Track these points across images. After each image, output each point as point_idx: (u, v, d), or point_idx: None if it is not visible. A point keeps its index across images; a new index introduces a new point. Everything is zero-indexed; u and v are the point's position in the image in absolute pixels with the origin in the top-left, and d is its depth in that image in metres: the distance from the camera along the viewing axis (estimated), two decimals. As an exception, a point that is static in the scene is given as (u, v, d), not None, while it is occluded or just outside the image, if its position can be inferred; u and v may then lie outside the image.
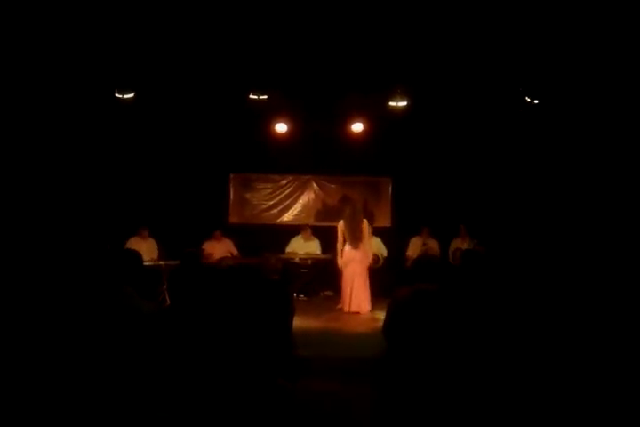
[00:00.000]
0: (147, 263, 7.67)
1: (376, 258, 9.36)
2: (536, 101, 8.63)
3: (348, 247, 8.01)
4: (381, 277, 9.38)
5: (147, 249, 8.51)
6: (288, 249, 9.38)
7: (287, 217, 10.57)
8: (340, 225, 8.10)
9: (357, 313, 7.85)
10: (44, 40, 6.92)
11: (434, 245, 9.58)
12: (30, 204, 8.21)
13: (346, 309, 7.95)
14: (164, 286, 7.39)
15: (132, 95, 8.39)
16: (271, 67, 7.91)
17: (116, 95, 8.35)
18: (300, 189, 10.67)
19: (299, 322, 5.87)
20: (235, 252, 9.24)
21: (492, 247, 8.80)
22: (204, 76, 8.09)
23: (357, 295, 7.92)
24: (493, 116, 9.19)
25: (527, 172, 9.41)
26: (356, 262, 7.96)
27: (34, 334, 2.48)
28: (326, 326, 7.08)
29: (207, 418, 2.47)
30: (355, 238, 7.94)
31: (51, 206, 8.56)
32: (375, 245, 9.45)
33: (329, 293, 9.29)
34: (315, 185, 10.66)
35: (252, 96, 8.66)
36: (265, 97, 8.69)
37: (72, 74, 7.68)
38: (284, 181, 10.65)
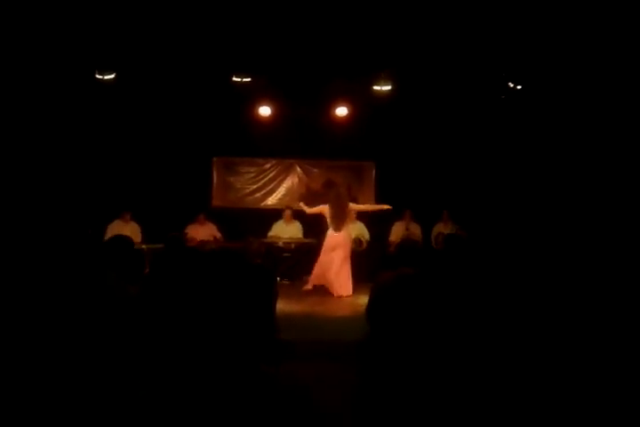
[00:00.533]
0: (129, 247, 7.67)
1: (358, 242, 9.41)
2: (519, 87, 8.66)
3: (330, 231, 8.03)
4: (364, 262, 9.44)
5: (129, 233, 8.41)
6: (270, 233, 9.37)
7: (271, 201, 10.55)
8: (324, 208, 8.11)
9: (341, 297, 7.89)
10: (23, 21, 6.77)
11: (416, 229, 9.63)
12: (10, 187, 8.09)
13: (310, 287, 8.15)
14: (147, 270, 7.39)
15: (112, 76, 8.27)
16: (255, 49, 7.83)
17: (97, 76, 8.22)
18: (284, 173, 10.63)
19: (282, 306, 5.90)
20: (218, 235, 9.22)
21: (475, 232, 8.88)
22: (187, 57, 7.99)
23: (342, 279, 7.96)
24: (476, 101, 9.21)
25: (510, 157, 9.47)
26: (339, 246, 7.99)
27: (14, 318, 2.46)
28: (309, 310, 7.11)
29: (189, 403, 2.48)
30: (339, 222, 7.97)
31: (31, 190, 8.45)
32: (358, 229, 9.48)
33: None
34: (298, 169, 10.63)
35: (235, 79, 8.58)
36: (248, 80, 8.61)
37: (51, 55, 7.53)
38: (268, 165, 10.60)
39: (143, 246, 7.96)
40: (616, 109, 8.03)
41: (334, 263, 7.95)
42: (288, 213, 9.38)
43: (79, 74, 8.16)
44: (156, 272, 3.20)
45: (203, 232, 9.13)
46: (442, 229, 9.54)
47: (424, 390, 2.45)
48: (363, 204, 9.87)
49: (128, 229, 8.54)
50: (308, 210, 8.44)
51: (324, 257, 8.05)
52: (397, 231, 9.61)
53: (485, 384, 2.31)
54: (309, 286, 8.22)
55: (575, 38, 7.30)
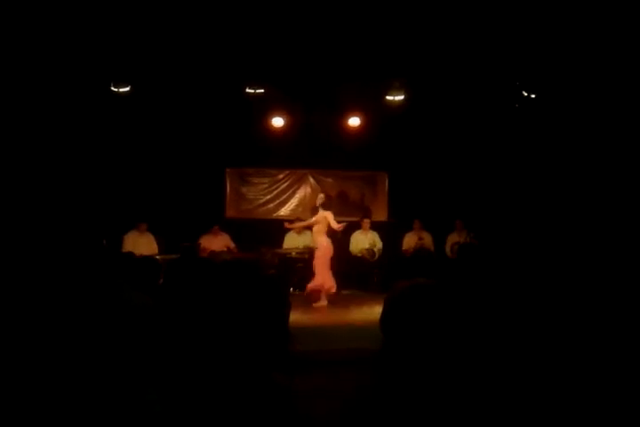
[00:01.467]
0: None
1: (371, 252, 9.38)
2: (533, 96, 8.63)
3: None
4: (377, 272, 9.42)
5: (145, 244, 8.50)
6: (284, 244, 9.37)
7: (284, 211, 10.55)
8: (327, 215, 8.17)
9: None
10: (40, 34, 6.86)
11: (428, 239, 9.59)
12: (28, 199, 8.17)
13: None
14: (161, 280, 7.41)
15: (127, 89, 8.35)
16: (267, 61, 7.88)
17: (112, 89, 8.31)
18: (297, 184, 10.64)
19: (295, 317, 5.87)
20: (232, 246, 9.23)
21: (489, 241, 8.81)
22: (201, 70, 8.06)
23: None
24: (490, 110, 9.18)
25: (524, 166, 9.41)
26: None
27: (20, 325, 2.47)
28: (323, 320, 7.08)
29: (203, 414, 2.47)
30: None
31: (48, 201, 8.52)
32: (370, 239, 9.46)
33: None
34: (311, 179, 10.64)
35: (248, 90, 8.64)
36: (261, 91, 8.66)
37: (68, 68, 7.63)
38: (281, 176, 10.62)
39: (158, 257, 7.98)
40: (630, 119, 7.97)
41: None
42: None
43: (95, 87, 8.25)
44: (169, 283, 3.20)
45: (217, 243, 9.14)
46: (456, 238, 9.49)
47: (440, 401, 2.42)
48: (376, 214, 9.89)
49: (144, 239, 8.58)
50: (297, 224, 8.65)
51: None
52: (409, 241, 9.58)
53: (502, 397, 2.28)
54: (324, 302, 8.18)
55: (588, 47, 7.27)
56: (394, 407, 2.87)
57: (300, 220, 9.30)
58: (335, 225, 8.21)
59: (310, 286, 8.09)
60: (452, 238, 9.57)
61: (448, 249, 9.49)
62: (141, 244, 8.40)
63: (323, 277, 7.99)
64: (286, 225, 8.70)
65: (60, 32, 6.93)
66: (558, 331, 2.38)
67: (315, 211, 8.37)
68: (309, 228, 9.15)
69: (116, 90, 8.34)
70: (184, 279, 3.56)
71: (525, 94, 8.64)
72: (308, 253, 9.09)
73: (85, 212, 8.78)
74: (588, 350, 2.23)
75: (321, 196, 8.42)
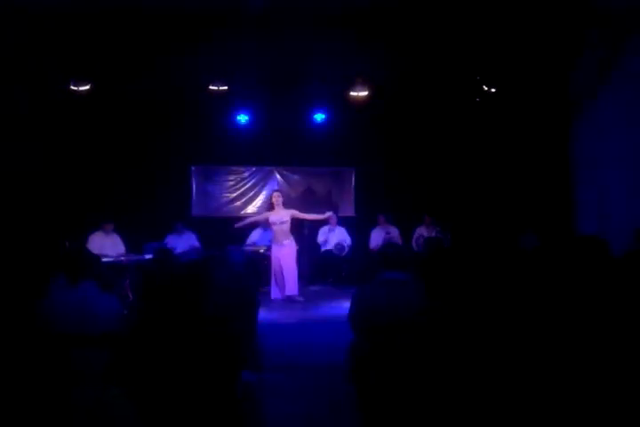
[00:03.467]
0: (110, 259, 7.55)
1: (340, 247, 9.41)
2: (493, 90, 8.77)
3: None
4: (346, 267, 9.46)
5: (111, 244, 8.35)
6: (249, 241, 9.31)
7: (251, 209, 10.50)
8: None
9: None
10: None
11: (395, 233, 9.65)
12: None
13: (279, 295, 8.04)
14: (127, 281, 7.31)
15: (87, 87, 8.19)
16: (230, 57, 7.82)
17: (72, 87, 8.14)
18: (263, 181, 10.61)
19: (264, 314, 5.87)
20: (197, 245, 9.13)
21: (456, 235, 8.93)
22: (163, 66, 7.95)
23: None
24: (452, 104, 9.29)
25: (487, 160, 9.56)
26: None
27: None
28: (292, 316, 7.08)
29: (172, 413, 2.45)
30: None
31: (9, 203, 8.31)
32: (339, 235, 9.49)
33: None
34: (278, 176, 10.62)
35: (211, 87, 8.55)
36: (225, 88, 8.59)
37: (27, 66, 7.44)
38: (247, 173, 10.57)
39: (122, 258, 7.86)
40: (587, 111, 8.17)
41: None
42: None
43: (55, 85, 8.07)
44: (145, 284, 3.18)
45: (182, 242, 9.04)
46: (424, 232, 9.58)
47: (416, 393, 2.44)
48: (343, 209, 9.91)
49: (110, 240, 8.43)
50: (248, 220, 8.57)
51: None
52: (377, 237, 9.63)
53: (475, 388, 2.31)
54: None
55: (547, 40, 7.41)
56: (372, 402, 2.89)
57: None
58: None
59: (289, 293, 7.96)
60: (419, 232, 9.66)
61: (414, 242, 9.58)
62: (107, 244, 8.25)
63: (294, 281, 7.97)
64: (236, 225, 8.55)
65: (20, 28, 6.76)
66: (520, 322, 2.42)
67: (270, 208, 8.32)
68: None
69: (75, 88, 8.16)
70: (158, 280, 3.52)
71: (486, 88, 8.77)
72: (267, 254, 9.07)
73: (49, 213, 8.61)
74: (569, 343, 2.27)
75: (276, 194, 8.25)
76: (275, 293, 8.06)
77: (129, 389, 2.48)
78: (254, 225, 9.21)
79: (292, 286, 7.94)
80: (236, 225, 8.51)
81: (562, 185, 8.73)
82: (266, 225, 9.33)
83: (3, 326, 2.48)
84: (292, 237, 8.07)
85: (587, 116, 8.21)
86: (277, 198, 8.12)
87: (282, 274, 7.98)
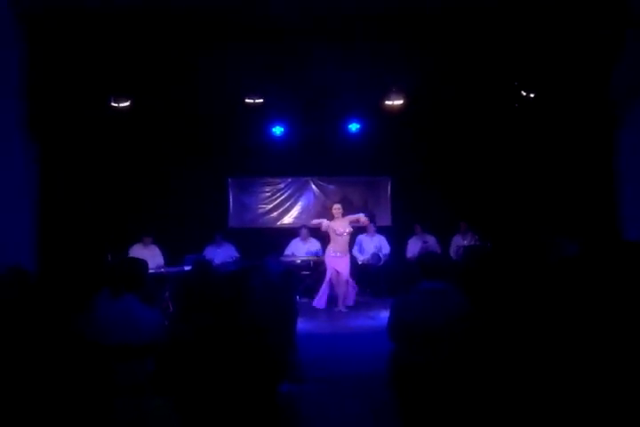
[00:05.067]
0: (151, 271, 7.67)
1: (377, 257, 9.36)
2: (532, 95, 8.62)
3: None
4: (383, 277, 9.39)
5: (150, 256, 8.48)
6: (287, 252, 9.35)
7: (287, 219, 10.55)
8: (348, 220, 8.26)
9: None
10: (39, 46, 6.91)
11: (432, 242, 9.57)
12: (29, 215, 8.18)
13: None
14: (167, 293, 7.40)
15: (127, 103, 8.38)
16: (265, 70, 7.90)
17: (112, 104, 8.34)
18: (299, 191, 10.65)
19: (302, 325, 5.86)
20: (236, 256, 9.21)
21: (494, 243, 8.78)
22: (200, 81, 8.08)
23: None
24: (490, 111, 9.17)
25: (525, 166, 9.39)
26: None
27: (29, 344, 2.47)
28: (330, 327, 7.06)
29: (214, 424, 2.46)
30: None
31: (52, 217, 8.53)
32: (377, 242, 9.45)
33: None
34: (313, 186, 10.65)
35: (247, 100, 8.66)
36: (260, 101, 8.68)
37: (68, 83, 7.65)
38: (283, 184, 10.64)
39: (162, 270, 7.98)
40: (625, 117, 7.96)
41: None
42: (305, 231, 9.34)
43: (95, 101, 8.28)
44: (183, 296, 3.22)
45: (221, 253, 9.13)
46: (460, 240, 9.47)
47: (454, 401, 2.41)
48: (379, 219, 9.90)
49: (148, 252, 8.57)
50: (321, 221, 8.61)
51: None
52: (414, 246, 9.55)
53: (514, 399, 2.26)
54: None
55: (585, 43, 7.27)
56: (409, 412, 2.85)
57: (305, 226, 9.33)
58: (361, 220, 8.46)
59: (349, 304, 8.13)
60: (457, 241, 9.55)
61: (453, 251, 9.47)
62: (147, 256, 8.37)
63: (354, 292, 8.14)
64: (314, 222, 8.64)
65: (59, 45, 6.96)
66: (566, 333, 2.36)
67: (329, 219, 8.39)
68: (315, 235, 9.18)
69: (116, 105, 8.36)
70: (198, 292, 3.55)
71: (524, 94, 8.63)
72: (313, 261, 9.07)
73: (91, 227, 8.80)
74: (595, 358, 2.21)
75: (338, 206, 8.39)
76: (318, 302, 8.10)
77: (171, 399, 2.51)
78: (296, 232, 9.38)
79: (351, 297, 8.10)
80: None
81: (606, 192, 8.50)
82: (305, 236, 9.37)
83: (48, 340, 2.53)
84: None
85: (631, 119, 8.01)
86: (338, 211, 8.26)
87: (339, 285, 8.07)
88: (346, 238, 8.11)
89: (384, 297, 8.55)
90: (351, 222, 8.47)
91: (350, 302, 8.13)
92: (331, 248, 8.18)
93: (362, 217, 8.57)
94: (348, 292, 8.09)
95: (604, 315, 2.35)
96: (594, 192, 8.60)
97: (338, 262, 8.06)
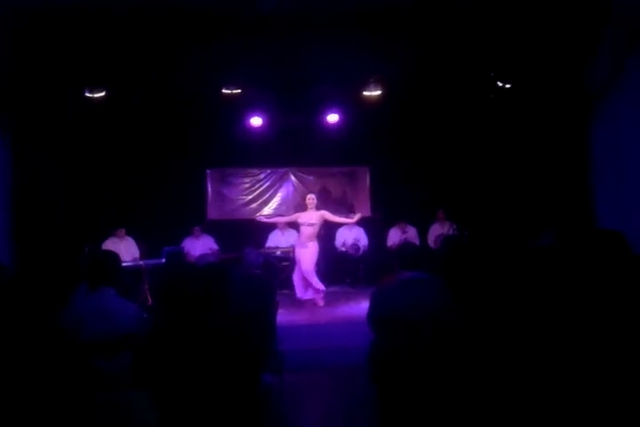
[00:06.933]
0: (127, 263, 7.61)
1: (355, 247, 9.39)
2: (508, 86, 8.69)
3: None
4: (362, 268, 9.44)
5: (125, 249, 8.41)
6: (268, 244, 9.34)
7: (267, 211, 10.52)
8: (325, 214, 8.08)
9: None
10: (12, 36, 6.77)
11: (412, 233, 9.63)
12: (3, 208, 8.05)
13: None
14: (146, 286, 7.36)
15: (102, 94, 8.25)
16: (242, 60, 7.83)
17: (87, 94, 8.21)
18: (279, 183, 10.63)
19: (282, 316, 5.87)
20: (215, 248, 9.18)
21: (472, 232, 8.87)
22: (177, 71, 7.98)
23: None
24: (466, 101, 9.22)
25: (502, 156, 9.48)
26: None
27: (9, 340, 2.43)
28: (309, 318, 7.08)
29: (194, 415, 2.45)
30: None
31: (25, 210, 8.41)
32: (356, 234, 9.48)
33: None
34: (293, 177, 10.63)
35: (224, 91, 8.58)
36: (238, 91, 8.61)
37: (42, 72, 7.51)
38: (262, 175, 10.60)
39: (140, 262, 7.92)
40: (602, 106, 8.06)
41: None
42: (283, 223, 9.31)
43: (70, 92, 8.14)
44: (157, 288, 3.19)
45: (199, 245, 9.09)
46: (439, 229, 9.56)
47: (439, 394, 2.42)
48: (358, 209, 9.88)
49: (123, 245, 8.50)
50: (279, 219, 8.66)
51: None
52: (394, 236, 9.61)
53: (494, 387, 2.29)
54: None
55: (561, 34, 7.33)
56: (387, 403, 2.87)
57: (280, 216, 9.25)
58: (344, 219, 8.22)
59: (315, 295, 7.95)
60: (435, 229, 9.63)
61: (431, 240, 9.55)
62: (121, 250, 8.30)
63: (315, 282, 7.94)
64: (258, 217, 8.55)
65: (33, 35, 6.83)
66: (541, 320, 2.39)
67: (302, 210, 8.23)
68: (293, 226, 9.12)
69: (90, 95, 8.23)
70: (171, 284, 3.53)
71: (500, 84, 8.69)
72: (293, 252, 9.05)
73: (65, 220, 8.68)
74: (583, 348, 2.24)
75: (311, 196, 8.11)
76: (300, 292, 7.99)
77: (150, 392, 2.50)
78: (274, 224, 9.22)
79: (313, 288, 7.92)
80: (258, 217, 8.52)
81: (580, 182, 8.62)
82: (283, 227, 9.35)
83: (26, 335, 2.50)
84: (316, 240, 8.00)
85: (605, 112, 8.11)
86: (311, 201, 8.03)
87: (302, 276, 7.94)
88: (309, 229, 7.85)
89: (363, 288, 8.60)
90: (343, 222, 8.41)
91: (314, 295, 7.92)
92: (298, 239, 8.14)
93: (353, 217, 8.38)
94: (308, 283, 7.90)
95: (580, 302, 2.38)
96: (569, 182, 8.72)
97: (300, 253, 7.92)
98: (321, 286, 7.90)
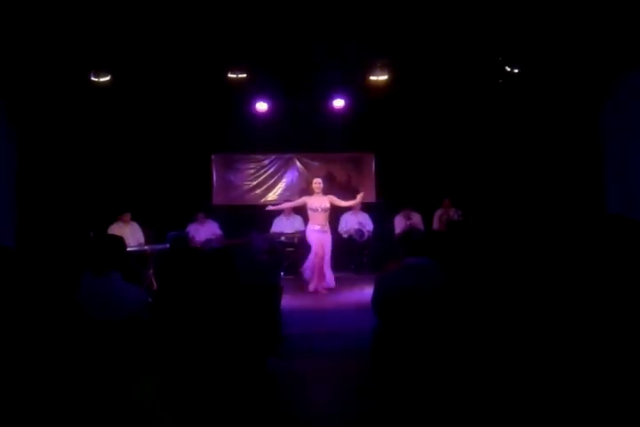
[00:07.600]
0: (133, 248, 7.63)
1: (360, 233, 9.38)
2: (516, 71, 8.60)
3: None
4: (367, 253, 9.44)
5: (130, 234, 8.43)
6: (273, 229, 9.34)
7: (271, 196, 10.51)
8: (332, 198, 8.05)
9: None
10: (16, 22, 6.72)
11: (417, 219, 9.60)
12: (8, 193, 8.08)
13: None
14: (151, 271, 7.38)
15: (108, 78, 8.22)
16: (248, 45, 7.77)
17: (92, 79, 8.17)
18: (284, 168, 10.60)
19: (287, 301, 5.88)
20: (218, 233, 9.18)
21: (477, 218, 8.85)
22: (181, 56, 7.94)
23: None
24: (474, 86, 9.14)
25: (510, 142, 9.42)
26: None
27: (13, 324, 2.45)
28: (314, 303, 7.10)
29: (199, 401, 2.46)
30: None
31: (31, 195, 8.43)
32: (361, 220, 9.46)
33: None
34: (298, 163, 10.60)
35: (230, 75, 8.53)
36: (244, 76, 8.56)
37: (47, 58, 7.48)
38: (267, 161, 10.57)
39: (146, 247, 7.94)
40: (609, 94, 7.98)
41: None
42: (288, 208, 9.29)
43: (75, 77, 8.11)
44: (161, 273, 3.20)
45: (204, 231, 9.10)
46: (444, 214, 9.54)
47: (438, 380, 2.43)
48: (364, 196, 9.88)
49: (129, 230, 8.51)
50: (285, 205, 8.66)
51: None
52: (400, 224, 9.59)
53: (495, 376, 2.29)
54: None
55: (571, 21, 7.23)
56: (395, 386, 2.88)
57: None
58: (348, 203, 8.23)
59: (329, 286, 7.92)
60: (439, 213, 9.62)
61: (436, 221, 9.52)
62: (126, 235, 8.31)
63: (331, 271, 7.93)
64: (268, 208, 8.56)
65: (38, 19, 6.78)
66: (542, 305, 2.38)
67: (308, 195, 8.19)
68: (298, 212, 9.12)
69: (96, 79, 8.20)
70: (176, 269, 3.54)
71: (509, 69, 8.60)
72: (297, 238, 9.06)
73: (71, 204, 8.71)
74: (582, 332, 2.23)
75: (318, 180, 8.08)
76: (315, 284, 7.82)
77: (157, 377, 2.51)
78: (281, 211, 9.22)
79: (330, 276, 7.93)
80: (269, 208, 8.51)
81: (590, 168, 8.56)
82: (288, 213, 9.34)
83: (33, 320, 2.51)
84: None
85: (615, 99, 8.02)
86: (317, 185, 8.00)
87: (321, 265, 7.82)
88: (322, 214, 7.85)
89: (368, 273, 8.60)
90: (349, 206, 8.39)
91: (331, 284, 7.93)
92: (311, 223, 8.06)
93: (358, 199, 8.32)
94: (327, 271, 7.91)
95: (585, 286, 2.37)
96: (578, 169, 8.66)
97: (321, 236, 7.88)
98: (332, 282, 7.92)
